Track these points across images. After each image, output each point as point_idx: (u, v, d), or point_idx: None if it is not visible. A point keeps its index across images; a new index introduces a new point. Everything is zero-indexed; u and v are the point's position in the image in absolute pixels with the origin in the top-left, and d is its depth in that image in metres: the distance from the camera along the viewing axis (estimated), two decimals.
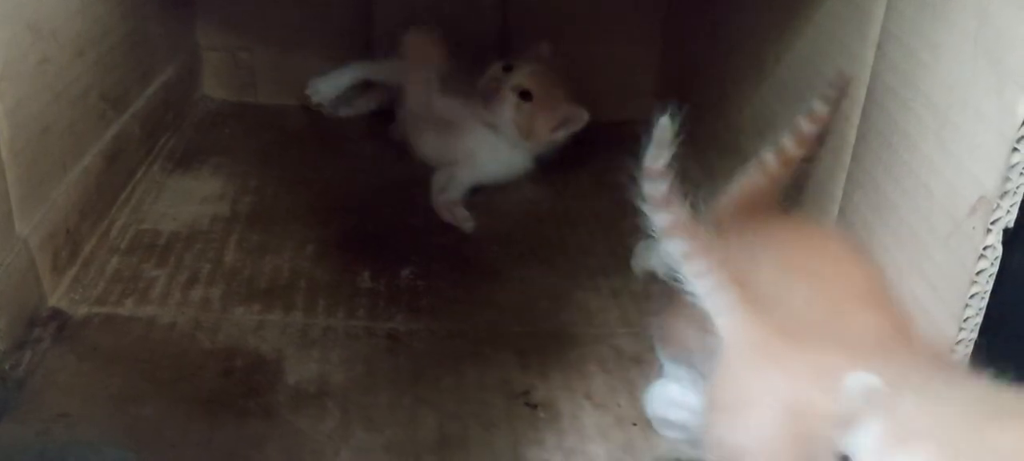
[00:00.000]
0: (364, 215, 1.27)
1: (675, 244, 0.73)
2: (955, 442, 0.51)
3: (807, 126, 0.90)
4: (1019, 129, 0.64)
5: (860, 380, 0.54)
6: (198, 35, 1.61)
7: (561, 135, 1.33)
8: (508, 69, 1.32)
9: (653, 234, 0.74)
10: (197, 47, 1.61)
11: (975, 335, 0.70)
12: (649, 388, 0.90)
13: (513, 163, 1.36)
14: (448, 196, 1.30)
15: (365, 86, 1.56)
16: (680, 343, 0.88)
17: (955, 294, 0.70)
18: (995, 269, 0.68)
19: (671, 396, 0.86)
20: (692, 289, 0.73)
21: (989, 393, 0.57)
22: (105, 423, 0.84)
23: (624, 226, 1.26)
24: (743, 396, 0.70)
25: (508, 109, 1.31)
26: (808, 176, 0.99)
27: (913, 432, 0.52)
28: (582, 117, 1.30)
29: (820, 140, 0.92)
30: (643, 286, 1.12)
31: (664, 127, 0.71)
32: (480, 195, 1.34)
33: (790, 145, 0.91)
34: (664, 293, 0.90)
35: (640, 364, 0.98)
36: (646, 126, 0.72)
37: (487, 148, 1.35)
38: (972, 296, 0.69)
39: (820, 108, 0.89)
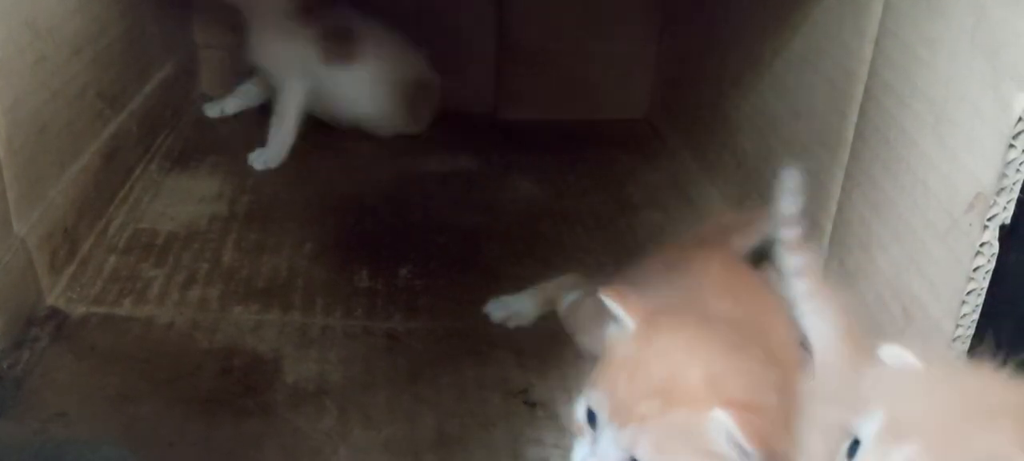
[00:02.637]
0: (362, 214, 1.27)
1: (800, 284, 0.80)
2: (944, 442, 0.54)
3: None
4: (1015, 126, 0.64)
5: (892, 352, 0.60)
6: (195, 33, 1.61)
7: None
8: None
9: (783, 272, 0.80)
10: (194, 45, 1.61)
11: (972, 331, 0.70)
12: None
13: None
14: None
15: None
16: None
17: (952, 291, 0.70)
18: (992, 266, 0.68)
19: None
20: (805, 320, 0.79)
21: (984, 386, 0.58)
22: (103, 422, 0.84)
23: (621, 224, 1.27)
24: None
25: None
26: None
27: (908, 428, 0.54)
28: None
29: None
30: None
31: (792, 175, 0.79)
32: (479, 194, 1.34)
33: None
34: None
35: None
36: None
37: None
38: (969, 293, 0.69)
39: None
